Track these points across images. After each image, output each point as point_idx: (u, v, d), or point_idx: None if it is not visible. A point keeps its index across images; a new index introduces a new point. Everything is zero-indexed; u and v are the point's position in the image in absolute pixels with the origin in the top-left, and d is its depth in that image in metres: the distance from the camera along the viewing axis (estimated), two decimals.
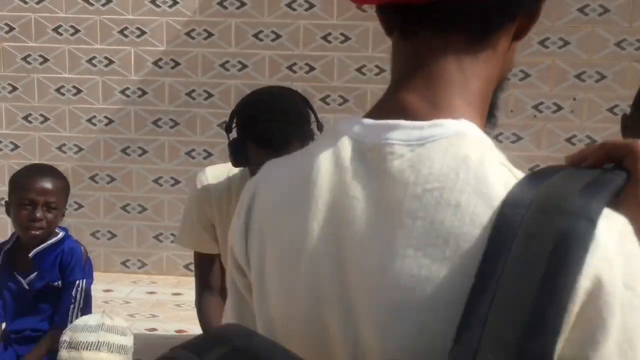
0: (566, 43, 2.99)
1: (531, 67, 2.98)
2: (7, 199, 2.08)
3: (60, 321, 2.07)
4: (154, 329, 2.61)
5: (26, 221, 2.00)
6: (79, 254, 2.11)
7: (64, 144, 3.30)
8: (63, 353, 1.62)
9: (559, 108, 3.04)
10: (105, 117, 3.27)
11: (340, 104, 3.14)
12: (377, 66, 3.11)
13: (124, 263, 3.36)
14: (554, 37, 2.97)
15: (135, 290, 3.09)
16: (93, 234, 3.33)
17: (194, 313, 2.78)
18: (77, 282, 2.09)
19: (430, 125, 0.59)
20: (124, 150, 3.28)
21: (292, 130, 1.62)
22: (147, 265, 3.36)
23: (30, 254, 2.06)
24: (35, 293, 2.09)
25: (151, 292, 3.09)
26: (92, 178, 3.30)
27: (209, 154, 3.25)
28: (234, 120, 1.75)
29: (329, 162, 0.62)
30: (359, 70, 3.12)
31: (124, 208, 3.30)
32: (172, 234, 3.31)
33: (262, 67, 3.16)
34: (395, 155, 0.59)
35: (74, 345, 1.61)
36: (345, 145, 0.62)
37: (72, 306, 2.08)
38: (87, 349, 1.62)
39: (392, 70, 0.65)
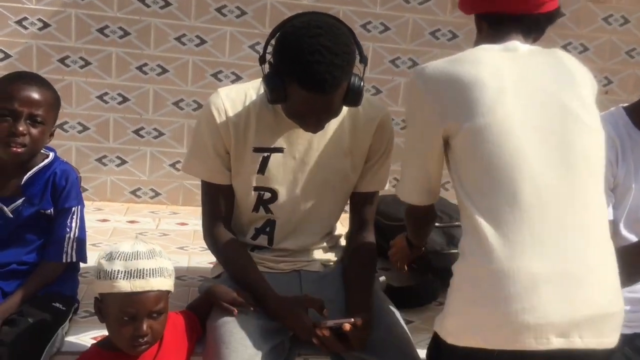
0: None
1: None
2: None
3: (54, 253, 1.84)
4: None
5: (6, 135, 1.70)
6: (74, 177, 1.85)
7: None
8: (122, 283, 1.45)
9: None
10: (40, 19, 2.81)
11: None
12: None
13: None
14: None
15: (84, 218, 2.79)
16: None
17: (163, 242, 2.62)
18: (73, 209, 1.85)
19: None
20: (61, 60, 2.87)
21: (343, 72, 1.54)
22: (88, 191, 3.03)
23: (22, 182, 1.76)
24: (22, 222, 1.80)
25: (103, 220, 2.82)
26: None
27: (164, 70, 2.95)
28: (271, 52, 1.60)
29: None
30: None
31: (61, 127, 2.92)
32: (118, 157, 3.03)
33: None
34: None
35: (136, 274, 1.45)
36: None
37: (67, 236, 1.84)
38: (153, 275, 1.47)
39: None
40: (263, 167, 1.77)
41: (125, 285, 1.45)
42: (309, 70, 1.50)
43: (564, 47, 3.19)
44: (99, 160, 3.01)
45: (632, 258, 1.62)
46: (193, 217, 2.75)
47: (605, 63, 3.24)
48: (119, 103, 2.96)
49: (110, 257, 1.50)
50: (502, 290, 1.31)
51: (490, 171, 1.37)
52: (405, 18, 3.05)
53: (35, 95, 1.73)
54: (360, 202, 1.90)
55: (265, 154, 1.77)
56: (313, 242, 1.90)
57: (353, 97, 1.62)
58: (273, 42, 1.62)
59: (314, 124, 1.65)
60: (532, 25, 1.53)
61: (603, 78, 3.26)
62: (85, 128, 2.97)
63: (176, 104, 2.99)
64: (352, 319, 1.57)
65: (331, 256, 1.93)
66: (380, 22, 3.04)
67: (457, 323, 1.40)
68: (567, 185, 1.38)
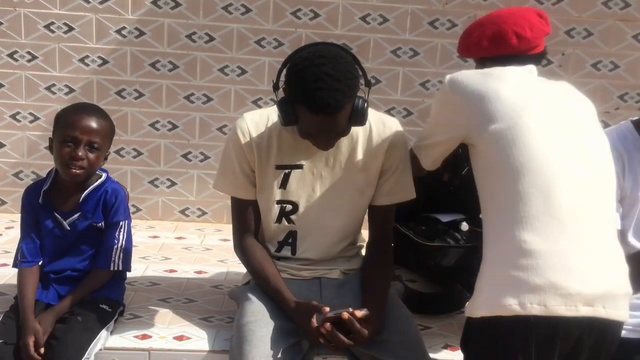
0: (559, 0, 3.17)
1: None
2: (51, 136, 2.01)
3: (103, 262, 2.05)
4: (173, 270, 2.62)
5: (67, 159, 1.94)
6: (123, 195, 2.08)
7: (54, 84, 3.15)
8: None
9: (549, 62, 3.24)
10: (99, 57, 3.14)
11: None
12: (381, 15, 3.16)
13: None
14: None
15: (137, 235, 3.05)
16: None
17: (205, 255, 2.85)
18: (121, 223, 2.06)
19: None
20: (118, 93, 3.18)
21: (345, 95, 1.69)
22: (142, 211, 3.32)
23: (80, 200, 2.01)
24: (77, 234, 2.05)
25: (154, 237, 3.07)
26: None
27: (209, 99, 3.21)
28: (282, 80, 1.77)
29: None
30: (363, 18, 3.17)
31: (118, 152, 3.22)
32: (168, 179, 3.29)
33: (266, 11, 3.13)
34: None
35: None
36: None
37: (115, 247, 2.06)
38: None
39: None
40: (285, 183, 1.93)
41: None
42: (314, 95, 1.66)
43: (594, 66, 3.25)
44: (151, 182, 3.29)
45: None
46: None
47: (637, 80, 3.27)
48: (169, 130, 3.23)
49: None
50: (533, 261, 1.44)
51: (520, 167, 1.50)
52: (434, 43, 3.19)
53: (94, 124, 1.96)
54: (376, 215, 2.03)
55: (287, 171, 1.93)
56: (333, 252, 2.02)
57: (357, 117, 1.77)
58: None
59: (324, 142, 1.81)
60: (530, 62, 1.77)
61: (635, 94, 3.29)
62: (139, 153, 3.25)
63: (220, 129, 3.24)
64: (350, 309, 1.70)
65: (352, 265, 2.05)
66: (409, 48, 3.20)
67: (491, 291, 1.51)
68: (593, 184, 1.53)
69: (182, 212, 3.34)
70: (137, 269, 2.55)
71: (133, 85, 3.17)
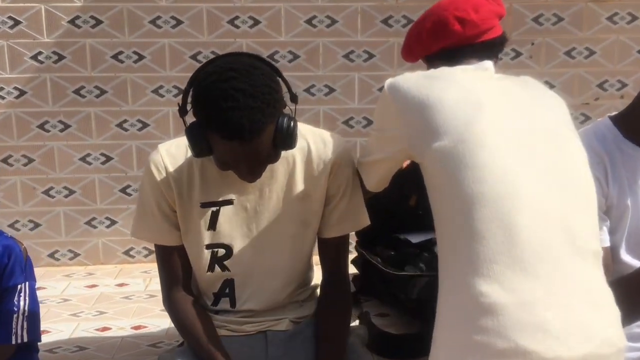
0: None
1: None
2: None
3: (3, 335, 1.71)
4: (107, 328, 2.27)
5: None
6: (18, 252, 1.74)
7: None
8: None
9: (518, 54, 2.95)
10: (15, 88, 2.79)
11: (290, 61, 2.85)
12: (328, 16, 2.85)
13: (52, 255, 2.94)
14: None
15: (72, 285, 2.70)
16: (12, 225, 2.87)
17: (147, 304, 2.49)
18: (19, 286, 1.73)
19: None
20: (41, 126, 2.83)
21: (264, 114, 1.38)
22: (80, 256, 2.96)
23: None
24: None
25: (91, 286, 2.72)
26: (4, 160, 2.82)
27: (145, 125, 2.87)
28: (190, 101, 1.46)
29: None
30: (309, 22, 2.85)
31: (47, 192, 2.87)
32: (107, 218, 2.94)
33: (200, 22, 2.81)
34: None
35: None
36: None
37: (15, 316, 1.72)
38: None
39: None
40: (213, 223, 1.63)
41: None
42: (224, 118, 1.35)
43: (567, 53, 2.97)
44: (88, 223, 2.94)
45: (636, 290, 1.39)
46: None
47: (616, 65, 2.98)
48: (103, 163, 2.89)
49: None
50: (495, 319, 1.14)
51: (473, 195, 1.20)
52: (389, 42, 2.89)
53: None
54: (327, 250, 1.72)
55: (214, 209, 1.62)
56: (280, 299, 1.71)
57: (283, 139, 1.46)
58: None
59: (247, 172, 1.49)
60: (484, 51, 1.49)
61: (616, 82, 3.01)
62: (71, 192, 2.90)
63: None
64: None
65: (304, 311, 1.74)
66: (363, 50, 2.89)
67: (447, 358, 1.21)
68: (568, 211, 1.23)
69: (126, 252, 2.98)
70: (65, 330, 2.22)
71: (57, 117, 2.82)
